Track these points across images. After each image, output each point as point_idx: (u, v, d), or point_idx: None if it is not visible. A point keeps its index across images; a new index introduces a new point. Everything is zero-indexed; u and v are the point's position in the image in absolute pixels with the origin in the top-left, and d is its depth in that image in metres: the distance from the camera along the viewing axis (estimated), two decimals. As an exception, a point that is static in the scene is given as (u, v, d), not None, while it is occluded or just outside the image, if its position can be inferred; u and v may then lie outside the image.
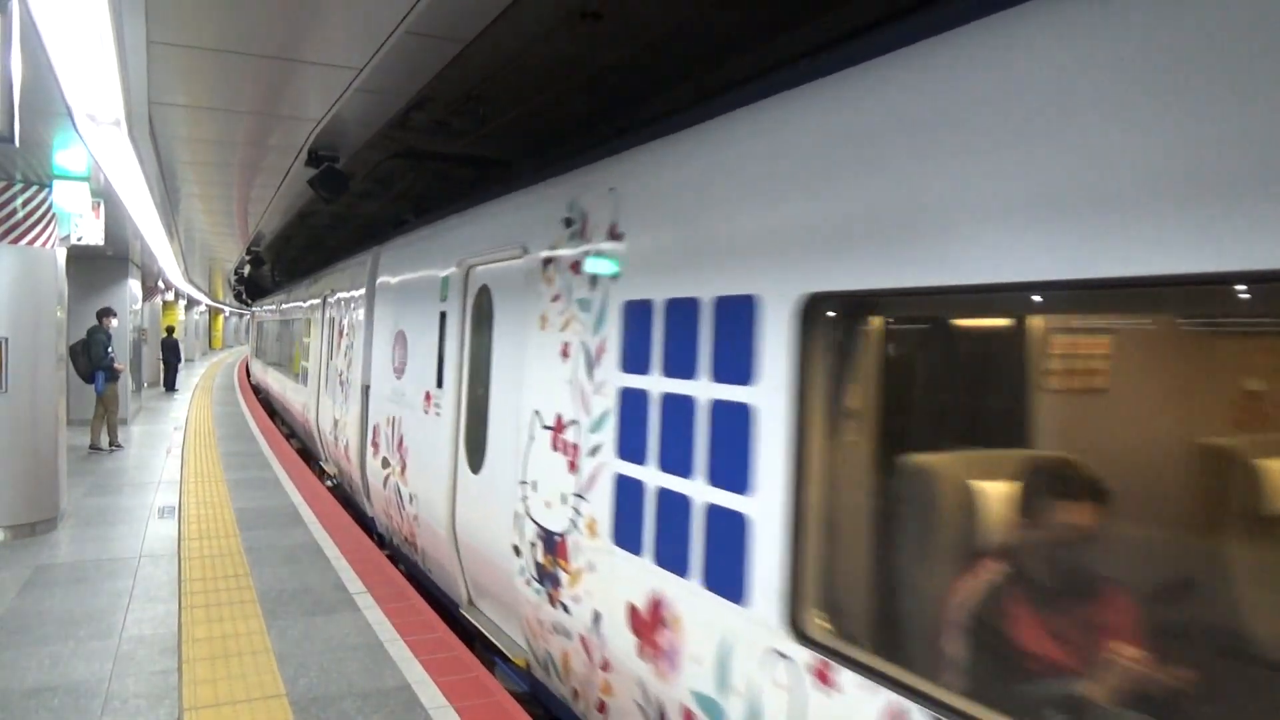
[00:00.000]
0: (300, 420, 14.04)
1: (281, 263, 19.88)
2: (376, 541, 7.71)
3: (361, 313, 8.95)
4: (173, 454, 12.01)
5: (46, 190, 7.42)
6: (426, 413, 6.41)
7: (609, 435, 3.74)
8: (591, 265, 3.98)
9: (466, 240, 5.92)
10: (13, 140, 3.40)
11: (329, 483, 10.76)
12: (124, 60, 4.19)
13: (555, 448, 4.23)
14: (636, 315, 3.60)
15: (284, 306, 18.59)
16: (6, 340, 7.37)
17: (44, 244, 7.57)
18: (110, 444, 12.24)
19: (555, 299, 4.32)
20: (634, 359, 3.60)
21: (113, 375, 11.91)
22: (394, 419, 7.36)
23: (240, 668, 4.61)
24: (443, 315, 6.18)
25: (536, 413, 4.46)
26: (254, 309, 28.47)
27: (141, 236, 11.56)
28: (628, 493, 3.60)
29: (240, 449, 12.64)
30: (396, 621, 5.40)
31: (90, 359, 11.50)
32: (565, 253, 4.26)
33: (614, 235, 3.81)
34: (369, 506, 8.56)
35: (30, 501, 7.55)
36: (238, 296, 33.79)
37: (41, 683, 4.47)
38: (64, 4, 3.37)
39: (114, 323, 12.19)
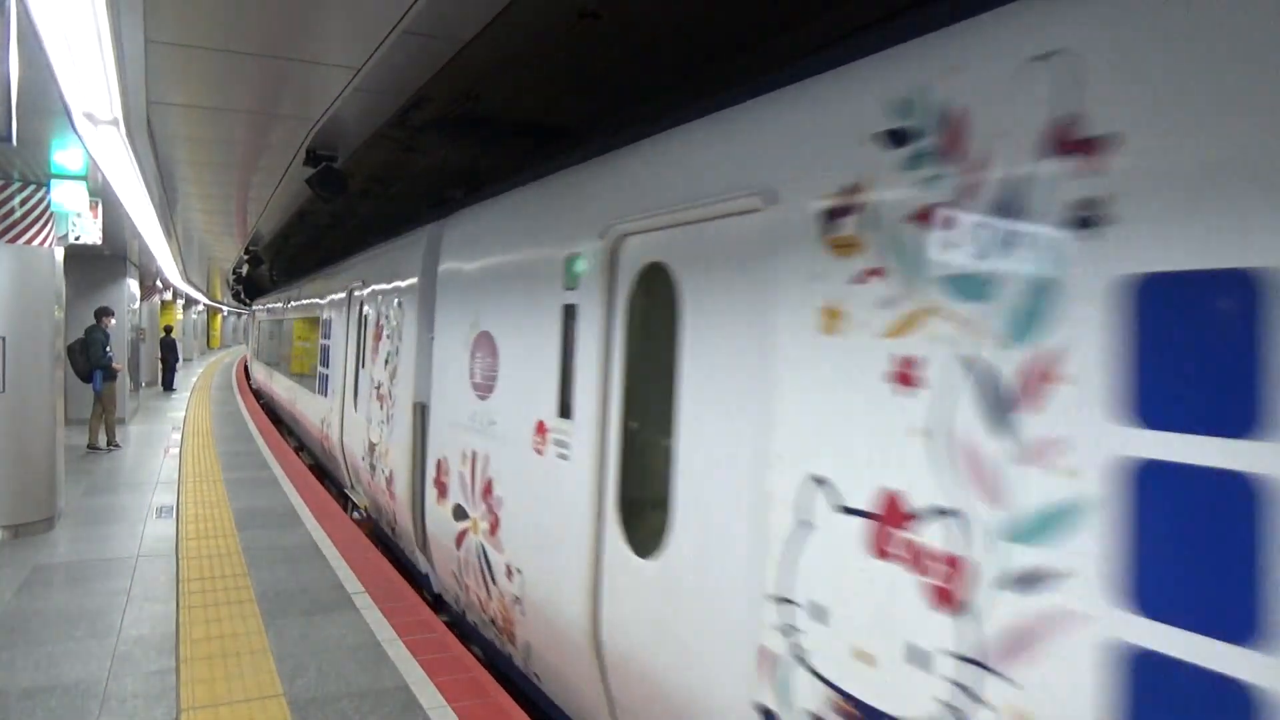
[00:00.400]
0: (317, 437, 11.50)
1: (280, 261, 19.86)
2: (430, 603, 6.14)
3: (413, 308, 6.82)
4: (170, 454, 12.01)
5: (44, 189, 7.42)
6: (540, 453, 4.35)
7: (1083, 557, 1.86)
8: (987, 208, 2.12)
9: (616, 195, 3.87)
10: (10, 139, 3.41)
11: (356, 515, 8.94)
12: (122, 59, 4.19)
13: (883, 553, 2.35)
14: (1182, 305, 1.74)
15: (294, 303, 15.84)
16: (4, 340, 7.36)
17: (42, 243, 7.57)
18: (108, 444, 12.23)
19: (864, 278, 2.46)
20: (1179, 400, 1.74)
21: (110, 375, 11.90)
22: (474, 454, 5.25)
23: (238, 667, 4.61)
24: (568, 311, 4.17)
25: (816, 481, 2.59)
26: (255, 307, 27.73)
27: (139, 236, 11.56)
28: (1175, 692, 1.70)
29: (238, 449, 12.64)
30: (395, 621, 5.40)
31: (88, 358, 11.50)
32: (895, 192, 2.39)
33: (1071, 141, 1.95)
34: (423, 561, 6.57)
35: (28, 501, 7.54)
36: (236, 296, 33.79)
37: (39, 683, 4.47)
38: (62, 3, 3.37)
39: (112, 322, 12.19)
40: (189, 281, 26.23)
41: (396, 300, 7.38)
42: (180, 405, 18.91)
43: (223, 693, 4.29)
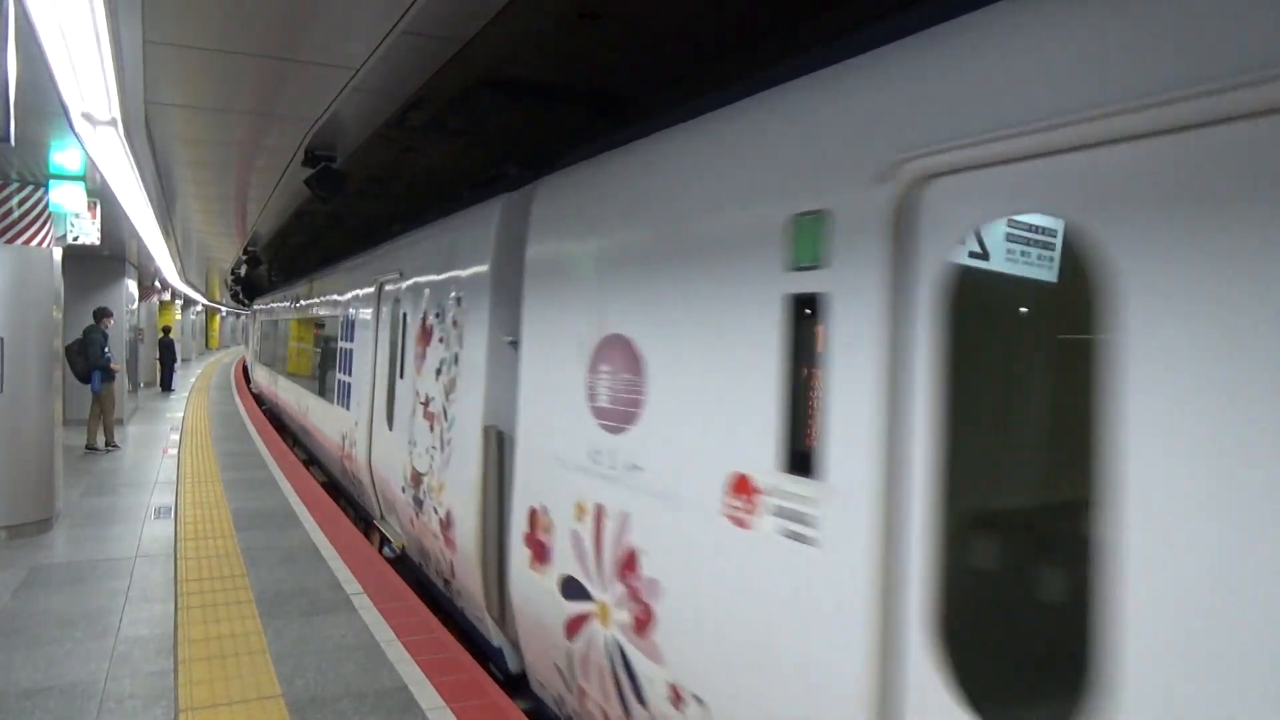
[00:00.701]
0: (335, 455, 9.99)
1: (280, 262, 19.85)
2: (502, 684, 4.76)
3: (481, 303, 5.31)
4: (169, 454, 12.00)
5: (43, 190, 7.42)
6: (742, 524, 2.85)
7: None
8: None
9: (914, 108, 2.36)
10: (9, 140, 3.41)
11: (388, 553, 7.42)
12: (120, 60, 4.19)
13: None
14: None
15: (305, 301, 14.17)
16: (2, 340, 7.36)
17: (40, 244, 7.56)
18: (106, 444, 12.23)
19: None
20: None
21: (109, 375, 11.91)
22: (601, 511, 3.72)
23: (237, 668, 4.60)
24: (799, 304, 2.70)
25: None
26: (256, 306, 26.59)
27: (138, 236, 11.55)
28: None
29: (237, 449, 12.63)
30: (393, 622, 5.39)
31: (87, 359, 11.50)
32: None
33: None
34: (495, 632, 5.14)
35: (26, 502, 7.54)
36: (234, 296, 33.77)
37: (37, 683, 4.46)
38: (60, 3, 3.37)
39: (110, 323, 12.20)
40: (187, 282, 26.22)
41: (453, 293, 5.82)
42: (179, 406, 18.90)
43: (221, 693, 4.29)
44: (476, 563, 5.13)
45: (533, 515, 4.41)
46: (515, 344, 4.89)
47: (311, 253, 16.03)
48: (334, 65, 4.79)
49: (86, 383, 11.64)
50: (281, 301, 18.01)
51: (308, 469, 11.57)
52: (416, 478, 6.36)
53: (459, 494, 5.44)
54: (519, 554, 4.53)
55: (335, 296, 10.82)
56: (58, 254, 7.94)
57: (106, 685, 4.46)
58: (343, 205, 9.73)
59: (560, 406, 4.17)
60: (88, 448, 11.98)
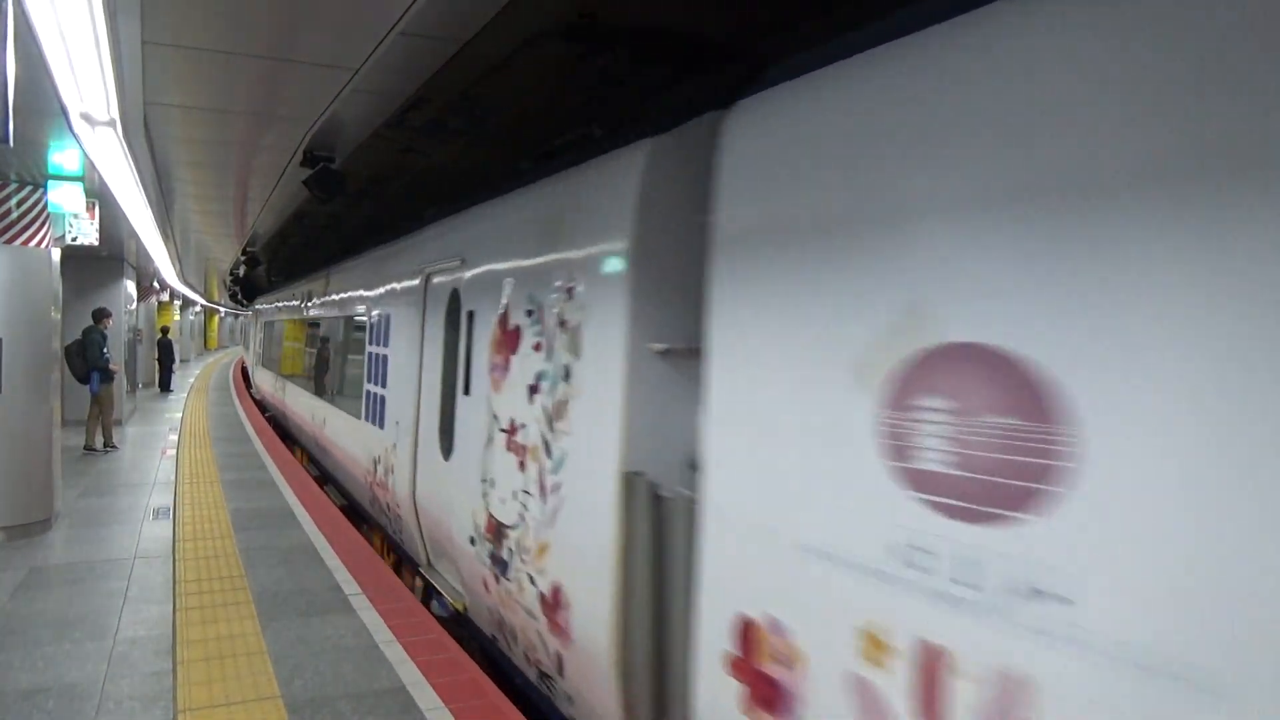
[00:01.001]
0: (362, 480, 8.50)
1: (279, 262, 19.82)
2: None
3: (615, 295, 3.71)
4: (167, 455, 12.00)
5: (42, 190, 7.42)
6: None
7: None
8: None
9: None
10: (8, 140, 3.41)
11: (438, 610, 6.17)
12: (119, 60, 4.19)
13: None
14: None
15: (319, 299, 12.24)
16: (1, 341, 7.36)
17: (39, 244, 7.56)
18: (105, 445, 12.22)
19: None
20: None
21: (108, 376, 11.91)
22: (938, 660, 2.06)
23: (235, 669, 4.60)
24: None
25: None
26: (258, 305, 25.47)
27: (137, 237, 11.55)
28: None
29: (235, 450, 12.62)
30: (392, 623, 5.39)
31: (86, 360, 11.51)
32: None
33: None
34: None
35: (24, 503, 7.53)
36: (233, 297, 33.75)
37: (36, 684, 4.46)
38: (59, 4, 3.37)
39: (110, 323, 12.21)
40: (186, 282, 26.19)
41: (559, 282, 4.23)
42: (177, 406, 18.90)
43: (220, 694, 4.28)
44: (612, 673, 3.62)
45: (747, 630, 2.82)
46: (670, 353, 3.57)
47: (313, 252, 15.97)
48: (333, 66, 4.79)
49: (85, 383, 11.64)
50: (290, 300, 15.73)
51: (321, 487, 10.29)
52: (496, 530, 4.82)
53: (578, 565, 3.91)
54: (715, 683, 2.94)
55: (362, 292, 9.17)
56: (56, 254, 7.94)
57: (105, 686, 4.46)
58: (342, 205, 9.73)
59: (809, 458, 2.60)
60: (86, 448, 11.97)
